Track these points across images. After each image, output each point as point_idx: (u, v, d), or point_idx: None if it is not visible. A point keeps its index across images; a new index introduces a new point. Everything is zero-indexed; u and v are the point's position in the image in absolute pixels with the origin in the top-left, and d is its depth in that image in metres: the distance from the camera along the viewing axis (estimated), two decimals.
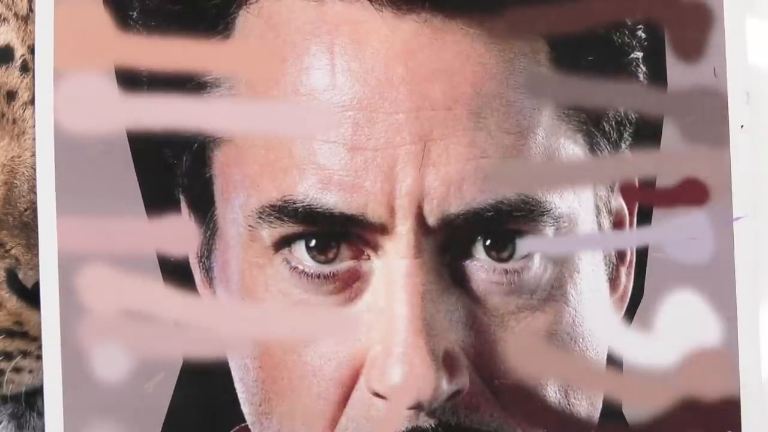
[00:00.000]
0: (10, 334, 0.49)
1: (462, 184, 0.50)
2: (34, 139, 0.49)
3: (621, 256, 0.52)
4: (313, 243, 0.50)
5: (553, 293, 0.51)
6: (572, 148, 0.52)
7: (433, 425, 0.50)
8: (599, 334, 0.51)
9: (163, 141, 0.50)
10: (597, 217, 0.52)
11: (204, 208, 0.50)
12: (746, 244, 0.52)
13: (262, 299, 0.50)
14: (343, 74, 0.50)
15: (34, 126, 0.49)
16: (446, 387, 0.50)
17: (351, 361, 0.50)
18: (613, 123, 0.52)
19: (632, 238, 0.52)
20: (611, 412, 0.51)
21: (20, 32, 0.50)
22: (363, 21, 0.50)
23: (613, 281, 0.52)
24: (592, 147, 0.52)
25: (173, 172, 0.50)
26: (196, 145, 0.50)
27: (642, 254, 0.52)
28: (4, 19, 0.50)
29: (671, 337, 0.52)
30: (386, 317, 0.49)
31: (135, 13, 0.50)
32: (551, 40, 0.52)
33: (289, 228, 0.49)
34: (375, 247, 0.50)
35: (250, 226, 0.50)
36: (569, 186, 0.51)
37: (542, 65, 0.52)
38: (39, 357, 0.49)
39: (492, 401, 0.50)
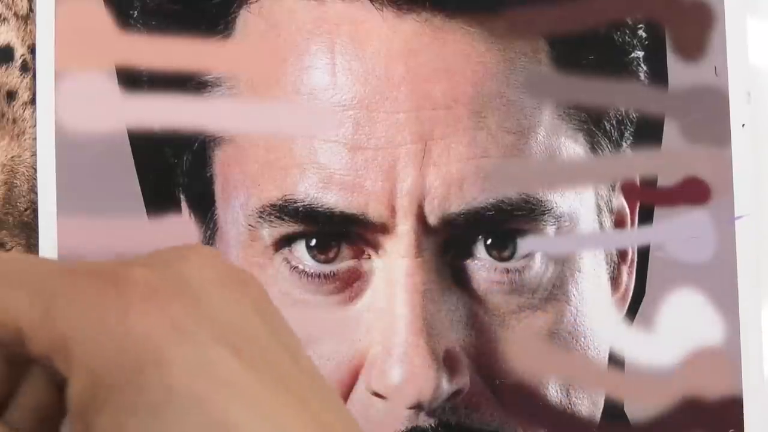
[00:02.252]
0: None
1: (463, 183, 0.50)
2: (34, 138, 0.49)
3: (622, 255, 0.52)
4: (313, 242, 0.50)
5: (555, 292, 0.51)
6: (573, 148, 0.52)
7: (433, 425, 0.50)
8: (601, 333, 0.51)
9: (163, 140, 0.49)
10: (598, 216, 0.52)
11: (204, 208, 0.50)
12: (748, 243, 0.52)
13: None
14: (344, 74, 0.50)
15: (34, 126, 0.49)
16: (446, 387, 0.50)
17: (351, 361, 0.50)
18: (614, 122, 0.52)
19: (634, 237, 0.52)
20: (613, 411, 0.51)
21: (20, 32, 0.50)
22: (364, 20, 0.50)
23: (615, 280, 0.52)
24: (593, 146, 0.52)
25: (174, 171, 0.50)
26: (196, 144, 0.50)
27: (643, 253, 0.52)
28: (4, 19, 0.50)
29: (673, 336, 0.52)
30: (386, 317, 0.49)
31: (136, 12, 0.50)
32: (552, 39, 0.52)
33: (289, 227, 0.49)
34: (375, 247, 0.50)
35: (250, 225, 0.50)
36: (570, 185, 0.51)
37: (543, 64, 0.52)
38: None
39: (492, 401, 0.50)
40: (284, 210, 0.49)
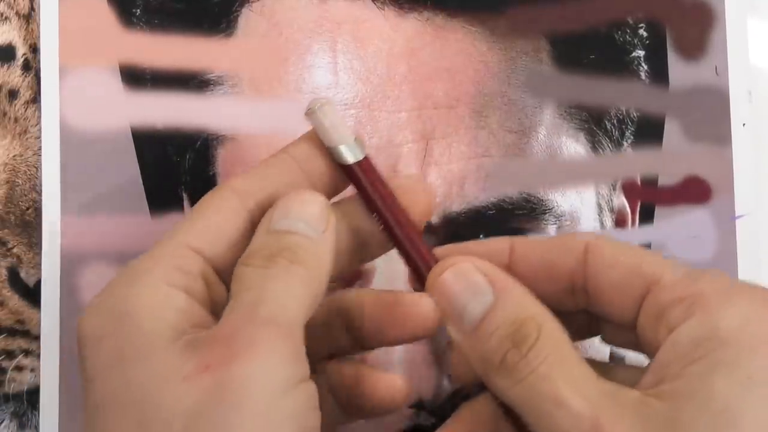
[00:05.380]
0: (12, 332, 0.49)
1: (464, 182, 0.50)
2: (36, 137, 0.49)
3: None
4: None
5: None
6: (574, 147, 0.52)
7: (434, 423, 0.50)
8: None
9: (166, 139, 0.49)
10: (599, 215, 0.52)
11: None
12: (749, 242, 0.52)
13: None
14: (346, 73, 0.50)
15: (36, 124, 0.49)
16: (448, 386, 0.50)
17: None
18: (615, 121, 0.52)
19: (635, 236, 0.52)
20: None
21: (22, 31, 0.50)
22: (365, 19, 0.50)
23: None
24: (594, 145, 0.52)
25: (177, 170, 0.50)
26: (199, 142, 0.50)
27: None
28: (6, 18, 0.50)
29: None
30: None
31: (138, 10, 0.50)
32: (553, 38, 0.52)
33: None
34: None
35: None
36: (571, 184, 0.51)
37: (544, 64, 0.52)
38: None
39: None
40: None
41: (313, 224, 0.37)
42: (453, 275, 0.37)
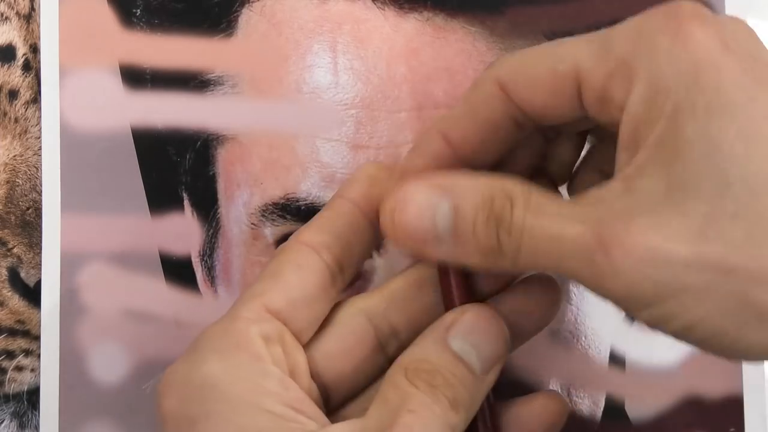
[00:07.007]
0: (12, 332, 0.49)
1: None
2: (36, 137, 0.49)
3: None
4: None
5: None
6: None
7: None
8: (602, 333, 0.51)
9: (166, 139, 0.50)
10: None
11: (207, 207, 0.50)
12: None
13: None
14: (346, 73, 0.50)
15: (36, 125, 0.49)
16: None
17: None
18: None
19: None
20: (614, 410, 0.51)
21: (22, 31, 0.50)
22: (365, 19, 0.50)
23: None
24: None
25: (177, 170, 0.50)
26: (199, 142, 0.50)
27: None
28: (6, 18, 0.50)
29: None
30: None
31: (138, 10, 0.50)
32: (553, 38, 0.52)
33: (292, 226, 0.49)
34: (377, 246, 0.50)
35: (252, 224, 0.50)
36: None
37: None
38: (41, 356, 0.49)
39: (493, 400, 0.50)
40: (286, 209, 0.49)
41: (484, 361, 0.37)
42: (406, 214, 0.36)
